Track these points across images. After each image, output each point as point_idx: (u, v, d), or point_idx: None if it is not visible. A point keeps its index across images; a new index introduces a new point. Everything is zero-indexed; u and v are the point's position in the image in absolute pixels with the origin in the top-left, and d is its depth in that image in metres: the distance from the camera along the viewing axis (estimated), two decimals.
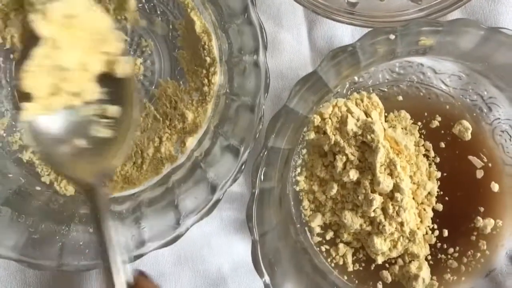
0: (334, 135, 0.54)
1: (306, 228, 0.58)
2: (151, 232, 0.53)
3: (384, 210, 0.54)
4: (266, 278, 0.51)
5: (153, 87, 0.60)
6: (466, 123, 0.58)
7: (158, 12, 0.60)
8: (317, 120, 0.54)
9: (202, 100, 0.59)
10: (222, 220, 0.62)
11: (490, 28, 0.50)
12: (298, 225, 0.58)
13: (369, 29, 0.51)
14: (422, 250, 0.56)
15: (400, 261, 0.57)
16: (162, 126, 0.59)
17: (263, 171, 0.51)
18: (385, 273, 0.57)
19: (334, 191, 0.55)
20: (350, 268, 0.58)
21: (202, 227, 0.61)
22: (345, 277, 0.58)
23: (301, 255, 0.57)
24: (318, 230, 0.57)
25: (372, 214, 0.54)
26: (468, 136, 0.58)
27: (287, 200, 0.57)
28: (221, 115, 0.55)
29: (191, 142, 0.59)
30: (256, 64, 0.53)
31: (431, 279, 0.58)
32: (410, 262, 0.57)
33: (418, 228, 0.56)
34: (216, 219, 0.61)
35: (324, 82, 0.52)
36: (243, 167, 0.52)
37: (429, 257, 0.58)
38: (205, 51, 0.59)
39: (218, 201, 0.52)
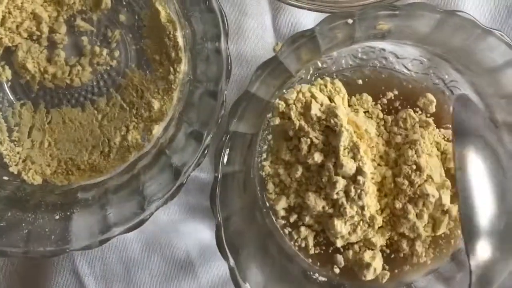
0: (299, 120, 0.55)
1: (271, 212, 0.59)
2: (116, 218, 0.53)
3: (346, 193, 0.55)
4: (231, 261, 0.51)
5: (120, 77, 0.61)
6: (430, 96, 0.59)
7: (124, 3, 0.61)
8: (281, 106, 0.55)
9: (168, 88, 0.59)
10: (190, 206, 0.63)
11: (446, 11, 0.51)
12: (264, 209, 0.58)
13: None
14: (379, 239, 0.57)
15: (356, 247, 0.58)
16: (128, 115, 0.60)
17: (225, 155, 0.52)
18: (339, 257, 0.58)
19: (299, 173, 0.55)
20: (312, 251, 0.58)
21: (169, 213, 0.63)
22: (310, 260, 0.59)
23: (267, 238, 0.58)
24: (282, 213, 0.58)
25: (335, 197, 0.54)
26: (432, 108, 0.59)
27: (252, 184, 0.58)
28: (185, 102, 0.56)
29: (157, 130, 0.59)
30: (218, 51, 0.54)
31: (384, 268, 0.58)
32: (365, 250, 0.57)
33: (378, 214, 0.56)
34: (183, 205, 0.62)
35: (285, 67, 0.53)
36: (206, 151, 0.53)
37: (386, 249, 0.59)
38: (170, 40, 0.59)
39: (181, 186, 0.53)
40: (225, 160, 0.52)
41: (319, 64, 0.59)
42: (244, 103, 0.52)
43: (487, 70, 0.56)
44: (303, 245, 0.58)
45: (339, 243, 0.57)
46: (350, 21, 0.51)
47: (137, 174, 0.56)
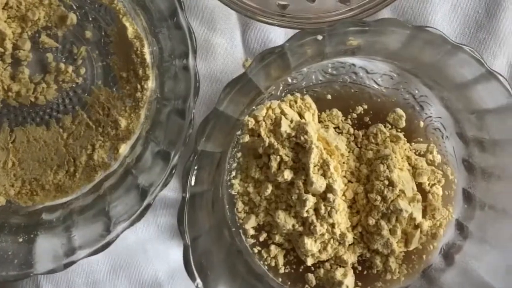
0: (268, 137, 0.54)
1: (240, 231, 0.58)
2: (81, 240, 0.52)
3: (316, 210, 0.54)
4: (199, 282, 0.51)
5: (86, 94, 0.59)
6: (400, 111, 0.59)
7: (90, 19, 0.60)
8: (251, 122, 0.54)
9: (135, 106, 0.58)
10: (158, 226, 0.61)
11: (416, 27, 0.51)
12: (233, 228, 0.57)
13: None
14: (350, 257, 0.56)
15: (327, 265, 0.57)
16: (95, 133, 0.59)
17: (194, 175, 0.50)
18: (310, 276, 0.57)
19: (269, 191, 0.55)
20: (282, 270, 0.57)
21: (137, 233, 0.61)
22: (280, 279, 0.58)
23: (236, 258, 0.57)
24: (252, 232, 0.57)
25: (305, 215, 0.54)
26: (402, 123, 0.59)
27: (221, 203, 0.57)
28: (153, 120, 0.55)
29: (124, 148, 0.58)
30: (186, 68, 0.53)
31: (357, 285, 0.58)
32: (336, 268, 0.57)
33: (348, 231, 0.56)
34: (151, 225, 0.61)
35: (255, 84, 0.52)
36: (173, 171, 0.52)
37: (358, 266, 0.58)
38: (137, 57, 0.58)
39: (148, 206, 0.52)
40: (193, 180, 0.51)
41: (289, 80, 0.59)
42: (212, 122, 0.51)
43: (456, 85, 0.56)
44: (273, 264, 0.58)
45: (310, 261, 0.56)
46: (319, 37, 0.51)
47: (103, 195, 0.55)
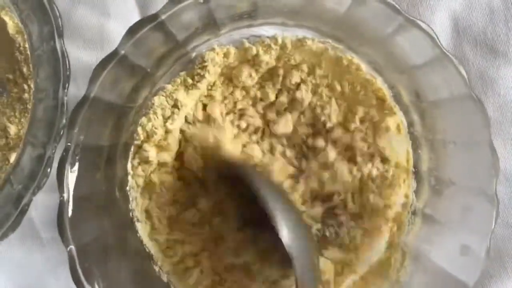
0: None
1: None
2: None
3: None
4: None
5: None
6: None
7: None
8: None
9: (23, 109, 0.52)
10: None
11: None
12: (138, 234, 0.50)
13: None
14: None
15: None
16: None
17: (69, 173, 0.43)
18: None
19: None
20: None
21: (46, 251, 0.54)
22: None
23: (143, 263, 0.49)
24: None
25: None
26: None
27: (117, 203, 0.49)
28: (31, 119, 0.48)
29: (14, 157, 0.51)
30: (54, 52, 0.46)
31: None
32: None
33: None
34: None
35: (134, 63, 0.45)
36: (49, 170, 0.45)
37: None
38: (21, 54, 0.52)
39: (23, 213, 0.44)
40: (73, 179, 0.43)
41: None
42: (86, 110, 0.44)
43: (377, 42, 0.48)
44: None
45: None
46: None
47: None
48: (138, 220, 0.49)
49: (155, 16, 0.44)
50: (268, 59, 0.49)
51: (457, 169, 0.48)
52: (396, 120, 0.50)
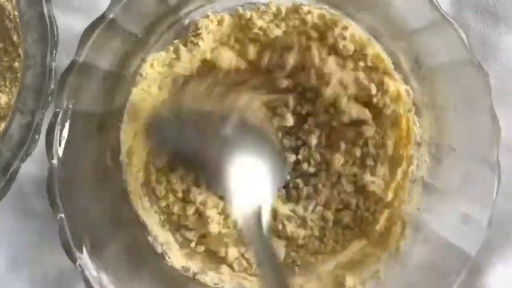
0: None
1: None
2: None
3: None
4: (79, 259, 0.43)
5: None
6: None
7: None
8: None
9: (14, 78, 0.51)
10: None
11: None
12: None
13: None
14: None
15: None
16: None
17: (59, 137, 0.42)
18: None
19: None
20: None
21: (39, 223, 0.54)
22: None
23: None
24: None
25: None
26: None
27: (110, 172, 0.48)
28: (20, 86, 0.47)
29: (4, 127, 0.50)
30: (41, 18, 0.45)
31: None
32: None
33: None
34: None
35: (125, 28, 0.44)
36: (37, 137, 0.44)
37: None
38: (11, 22, 0.51)
39: (11, 182, 0.43)
40: (62, 145, 0.42)
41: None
42: (76, 76, 0.43)
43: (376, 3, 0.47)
44: None
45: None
46: None
47: None
48: None
49: None
50: (261, 23, 0.48)
51: (458, 136, 0.47)
52: (397, 86, 0.49)
